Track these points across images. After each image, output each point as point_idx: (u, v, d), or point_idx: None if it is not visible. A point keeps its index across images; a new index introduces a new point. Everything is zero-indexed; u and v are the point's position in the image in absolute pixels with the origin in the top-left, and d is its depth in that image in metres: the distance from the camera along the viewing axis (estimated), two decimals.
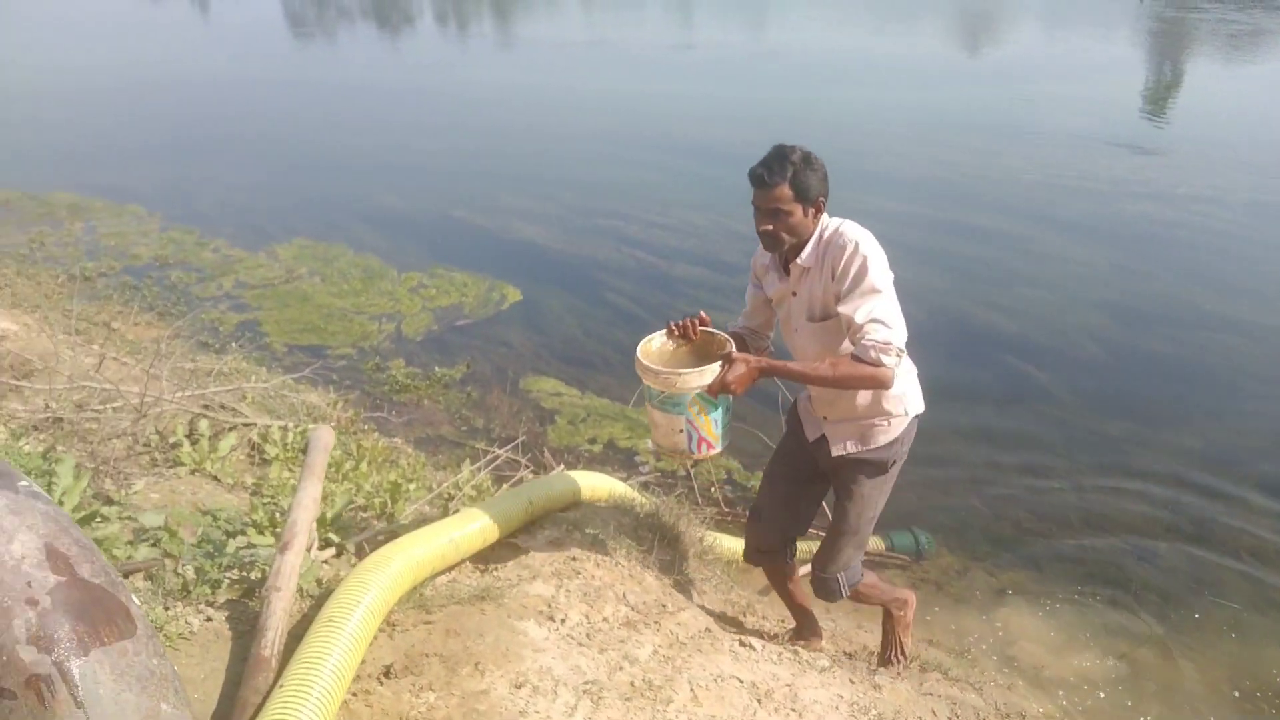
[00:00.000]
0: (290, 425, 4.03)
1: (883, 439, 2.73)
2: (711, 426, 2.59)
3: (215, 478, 3.57)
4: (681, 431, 2.58)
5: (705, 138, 11.24)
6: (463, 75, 17.21)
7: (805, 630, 3.24)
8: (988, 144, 10.91)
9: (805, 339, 2.67)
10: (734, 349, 2.64)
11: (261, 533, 3.03)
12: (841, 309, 2.49)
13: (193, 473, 3.55)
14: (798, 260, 2.59)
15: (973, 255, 7.60)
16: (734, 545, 3.70)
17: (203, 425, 3.77)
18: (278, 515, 3.12)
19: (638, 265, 7.49)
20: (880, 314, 2.45)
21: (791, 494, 2.99)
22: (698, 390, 2.48)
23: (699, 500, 4.21)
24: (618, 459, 4.84)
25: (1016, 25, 22.83)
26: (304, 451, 3.84)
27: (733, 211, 8.34)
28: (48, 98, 13.86)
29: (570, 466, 4.23)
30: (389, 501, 3.38)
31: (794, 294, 2.69)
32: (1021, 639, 3.79)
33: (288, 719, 1.67)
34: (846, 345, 2.54)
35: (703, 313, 2.73)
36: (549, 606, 2.45)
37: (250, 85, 15.24)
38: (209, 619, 2.31)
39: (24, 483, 0.73)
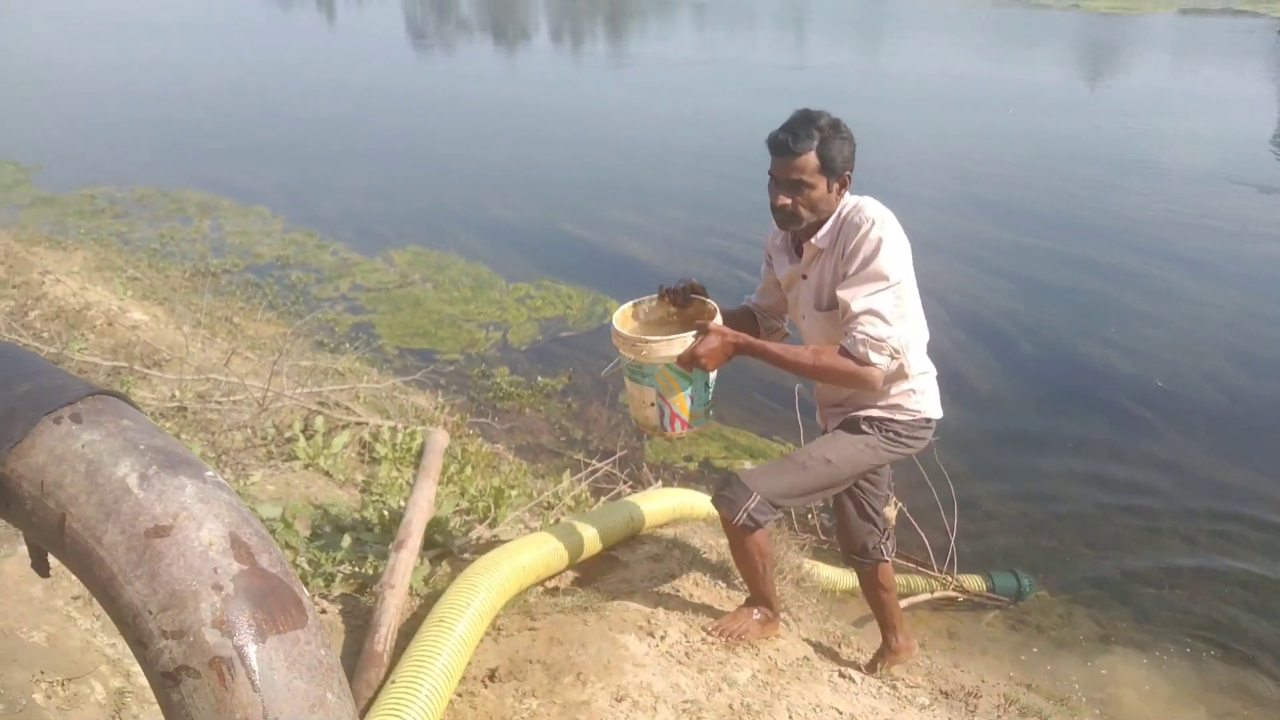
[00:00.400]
0: (400, 426, 4.14)
1: (875, 412, 2.43)
2: (684, 403, 2.36)
3: (327, 473, 3.70)
4: (652, 405, 2.38)
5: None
6: (575, 90, 17.49)
7: (890, 646, 2.87)
8: (1108, 177, 10.58)
9: (812, 328, 2.43)
10: (718, 321, 2.34)
11: (371, 529, 3.13)
12: (840, 293, 2.24)
13: (306, 467, 3.69)
14: (812, 240, 2.33)
15: (1089, 290, 7.38)
16: (831, 574, 3.65)
17: (318, 422, 3.92)
18: (386, 513, 3.21)
19: (741, 286, 7.46)
20: (880, 305, 2.18)
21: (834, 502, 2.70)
22: (666, 361, 2.26)
23: (795, 526, 4.17)
24: (713, 478, 4.84)
25: (1143, 56, 22.10)
26: (412, 452, 3.96)
27: None
28: (181, 99, 14.56)
29: (667, 483, 4.24)
30: (492, 506, 3.45)
31: (804, 277, 2.43)
32: (1125, 689, 3.65)
33: (398, 714, 1.72)
34: None
35: (694, 280, 2.49)
36: (649, 622, 2.46)
37: (372, 93, 15.76)
38: (323, 611, 2.40)
39: (209, 472, 0.78)
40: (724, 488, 2.44)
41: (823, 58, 19.67)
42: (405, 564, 2.22)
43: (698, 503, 3.39)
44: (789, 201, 2.28)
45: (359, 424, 4.10)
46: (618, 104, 15.87)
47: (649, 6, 29.39)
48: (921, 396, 2.47)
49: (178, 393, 3.98)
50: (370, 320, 6.65)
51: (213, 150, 11.47)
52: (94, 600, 1.95)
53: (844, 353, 2.21)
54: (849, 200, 2.34)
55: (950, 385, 5.68)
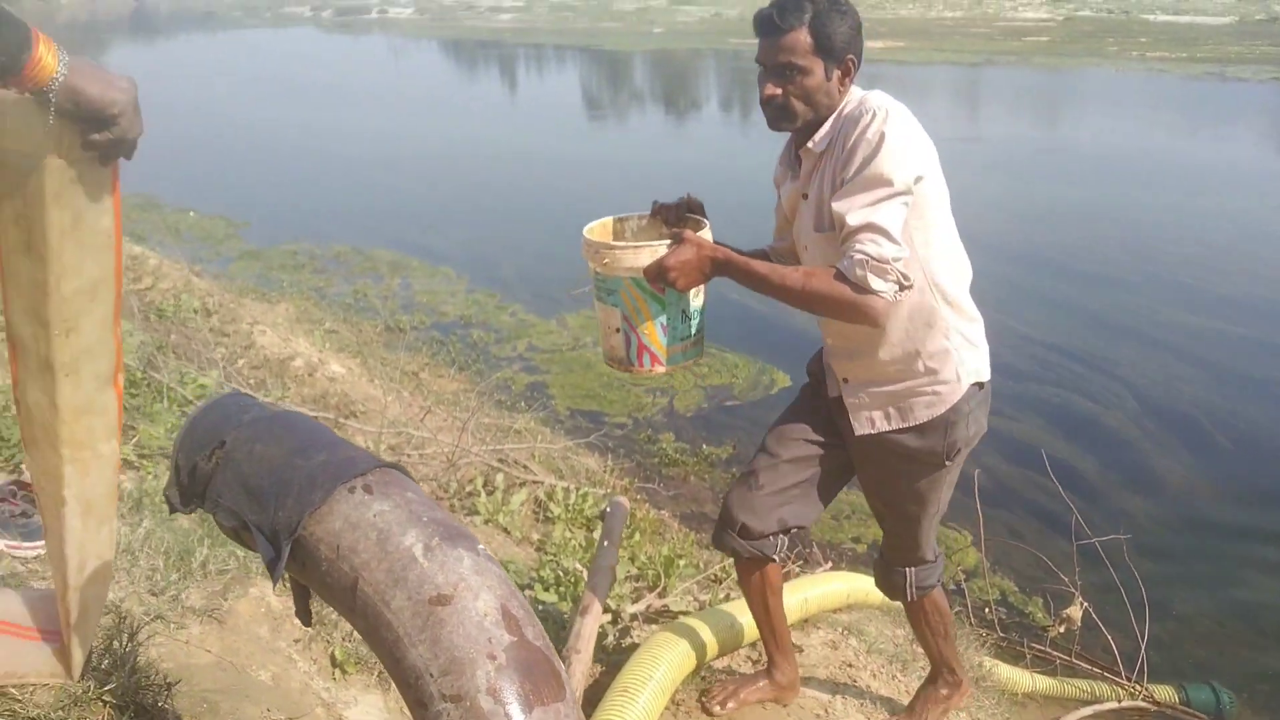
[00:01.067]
0: (573, 487, 4.25)
1: (925, 413, 2.01)
2: (655, 332, 1.96)
3: (505, 530, 3.82)
4: (618, 331, 1.99)
5: (990, 233, 10.88)
6: (741, 158, 17.71)
7: (778, 670, 2.39)
8: None
9: (814, 259, 2.02)
10: (707, 233, 2.00)
11: (547, 590, 3.20)
12: (834, 204, 1.84)
13: (486, 522, 3.83)
14: (809, 144, 1.96)
15: None
16: (1011, 674, 3.48)
17: (498, 479, 4.06)
18: (560, 574, 3.28)
19: None
20: (882, 219, 1.79)
21: (801, 463, 2.21)
22: (632, 274, 1.89)
23: (971, 620, 4.00)
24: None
25: None
26: (584, 514, 4.04)
27: (1024, 313, 8.00)
28: (377, 163, 15.59)
29: (835, 565, 4.16)
30: (661, 575, 3.47)
31: (804, 196, 2.03)
32: None
33: None
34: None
35: (691, 194, 2.15)
36: (825, 712, 2.41)
37: (550, 161, 16.44)
38: None
39: (481, 546, 0.84)
40: (885, 584, 2.35)
41: (999, 130, 19.24)
42: (590, 630, 2.26)
43: (871, 589, 3.31)
44: (778, 91, 1.92)
45: (535, 483, 4.22)
46: None
47: None
48: (965, 353, 2.02)
49: (371, 444, 4.21)
50: (544, 380, 6.87)
51: (404, 212, 12.19)
52: (311, 643, 2.08)
53: (839, 277, 1.80)
54: (854, 94, 1.98)
55: (1140, 478, 5.42)
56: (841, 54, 1.90)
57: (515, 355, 7.34)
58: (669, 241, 1.88)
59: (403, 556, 0.79)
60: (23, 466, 2.59)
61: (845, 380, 2.09)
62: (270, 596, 2.00)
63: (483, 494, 3.93)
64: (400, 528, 0.81)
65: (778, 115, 1.95)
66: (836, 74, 1.91)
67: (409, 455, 4.15)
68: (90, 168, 1.18)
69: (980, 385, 2.06)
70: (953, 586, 4.43)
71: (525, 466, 4.35)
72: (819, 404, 2.22)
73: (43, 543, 2.16)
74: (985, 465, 5.45)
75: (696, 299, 2.01)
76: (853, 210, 1.80)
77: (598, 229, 2.11)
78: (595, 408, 6.45)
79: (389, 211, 12.29)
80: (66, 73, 1.09)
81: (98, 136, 1.15)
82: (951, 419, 2.02)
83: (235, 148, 17.05)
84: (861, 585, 3.32)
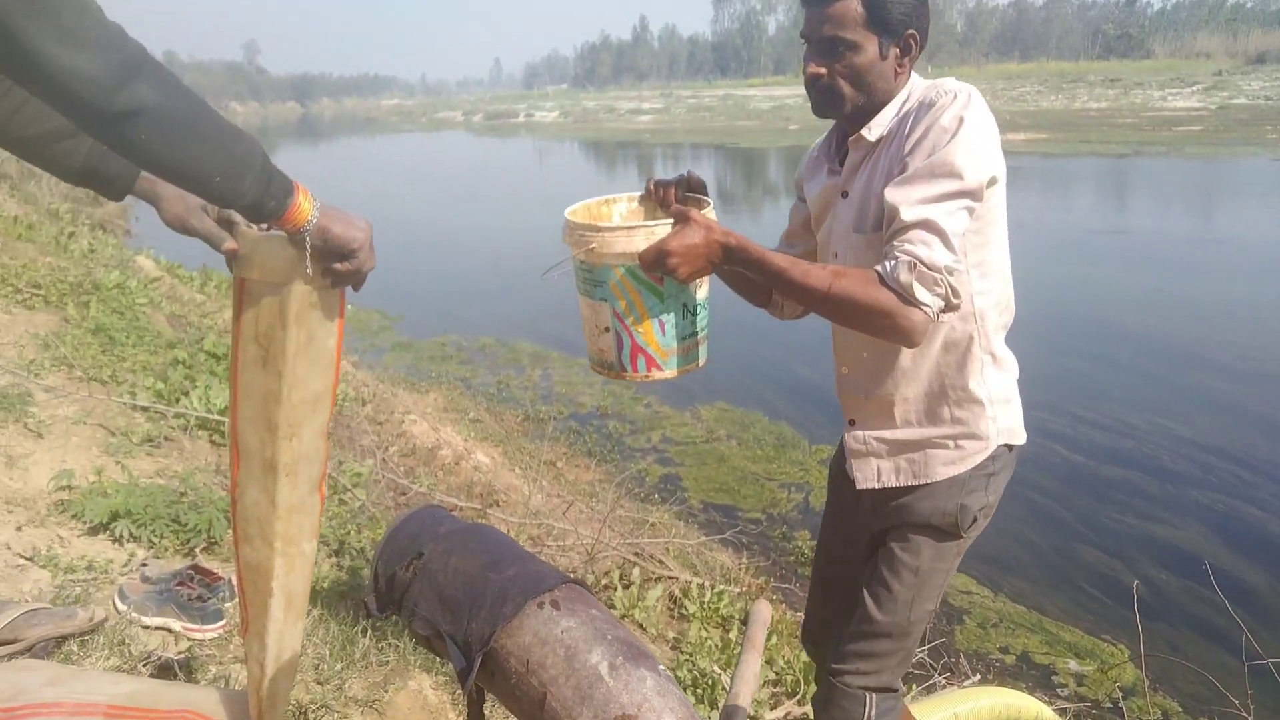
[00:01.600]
0: (708, 584, 4.23)
1: (943, 470, 1.74)
2: (654, 332, 1.66)
3: (641, 626, 3.83)
4: (607, 330, 1.69)
5: (1144, 329, 10.46)
6: None
7: None
8: None
9: (847, 265, 1.71)
10: (711, 214, 1.69)
11: (685, 691, 3.19)
12: (888, 192, 1.56)
13: (623, 617, 3.85)
14: (863, 132, 1.69)
15: None
16: None
17: (634, 573, 4.09)
18: (698, 675, 3.27)
19: (1063, 463, 7.04)
20: (943, 219, 1.51)
21: (835, 577, 1.99)
22: (625, 262, 1.60)
23: None
24: (1033, 675, 4.48)
25: None
26: (719, 613, 4.01)
27: (1180, 415, 7.62)
28: (523, 257, 16.20)
29: (983, 678, 3.99)
30: (801, 681, 3.41)
31: (844, 194, 1.75)
32: None
33: None
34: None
35: (692, 171, 1.83)
36: None
37: None
38: None
39: (661, 667, 0.88)
40: (825, 703, 1.85)
41: (1146, 222, 18.57)
42: None
43: (1026, 705, 3.16)
44: (822, 70, 1.65)
45: (670, 578, 4.23)
46: None
47: None
48: (1000, 407, 1.75)
49: (513, 534, 4.32)
50: (678, 473, 6.90)
51: (544, 306, 12.59)
52: None
53: (878, 280, 1.51)
54: (917, 81, 1.71)
55: None
56: (900, 27, 1.62)
57: (650, 447, 7.42)
58: (668, 222, 1.58)
59: (589, 674, 0.83)
60: (201, 550, 2.78)
61: (852, 422, 1.84)
62: (428, 690, 2.08)
63: (619, 588, 3.96)
64: (586, 645, 0.85)
65: (824, 98, 1.68)
66: (894, 52, 1.64)
67: (549, 546, 4.23)
68: (325, 294, 1.35)
69: (1010, 448, 1.80)
70: (1109, 704, 4.18)
71: (661, 561, 4.37)
72: (841, 508, 1.97)
73: (219, 625, 2.31)
74: (1143, 575, 5.17)
75: (701, 290, 1.72)
76: (909, 202, 1.52)
77: (580, 211, 1.83)
78: (729, 502, 6.43)
79: (530, 305, 12.72)
80: (318, 215, 1.27)
81: (339, 267, 1.33)
82: (972, 481, 1.75)
83: (392, 243, 18.00)
84: (1013, 702, 3.18)
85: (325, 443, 1.44)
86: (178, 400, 4.22)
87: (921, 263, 1.49)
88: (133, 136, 1.10)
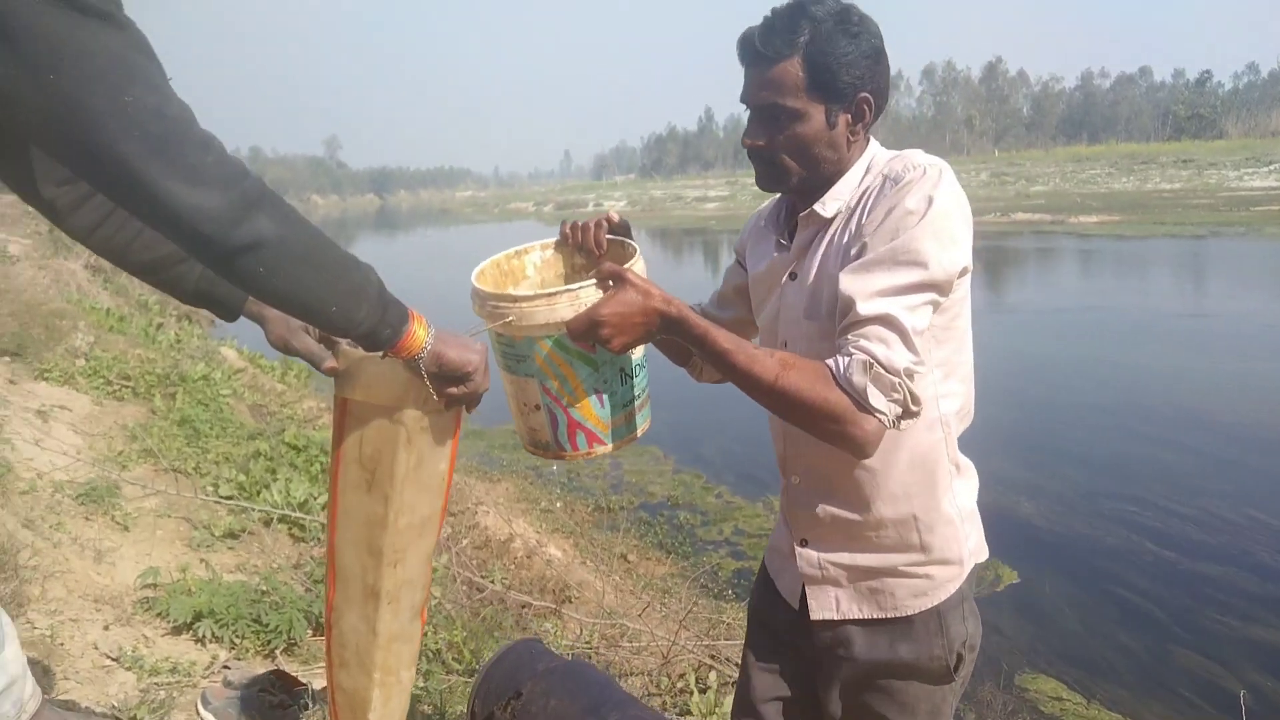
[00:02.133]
0: None
1: (911, 602, 1.52)
2: (591, 406, 1.48)
3: None
4: (538, 409, 1.50)
5: (1232, 417, 10.08)
6: (994, 339, 17.38)
7: None
8: None
9: (803, 354, 1.45)
10: (638, 266, 1.48)
11: None
12: (843, 278, 1.37)
13: None
14: (816, 208, 1.50)
15: None
16: None
17: (710, 676, 3.97)
18: None
19: (1154, 560, 6.74)
20: (904, 314, 1.33)
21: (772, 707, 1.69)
22: (551, 333, 1.42)
23: None
24: None
25: None
26: None
27: (1274, 507, 7.27)
28: None
29: None
30: None
31: (792, 275, 1.55)
32: None
33: None
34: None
35: (613, 212, 1.62)
36: None
37: None
38: None
39: None
40: None
41: (1228, 305, 18.07)
42: None
43: None
44: (761, 142, 1.46)
45: None
46: (1001, 352, 15.50)
47: (1028, 254, 28.97)
48: (970, 526, 1.57)
49: (586, 634, 4.24)
50: (751, 567, 6.75)
51: None
52: None
53: (829, 377, 1.34)
54: (880, 151, 1.52)
55: None
56: (850, 92, 1.43)
57: (722, 539, 7.30)
58: (592, 283, 1.40)
59: None
60: (281, 652, 2.78)
61: (804, 541, 1.59)
62: None
63: (695, 692, 3.85)
64: None
65: (766, 172, 1.51)
66: (844, 119, 1.45)
67: (623, 647, 4.14)
68: (438, 418, 1.34)
69: (976, 568, 1.61)
70: None
71: (738, 665, 4.24)
72: (770, 622, 1.70)
73: None
74: (1250, 681, 4.89)
75: (637, 350, 1.52)
76: (867, 293, 1.34)
77: (489, 270, 1.61)
78: None
79: None
80: (433, 341, 1.27)
81: (454, 390, 1.33)
82: (949, 614, 1.53)
83: (463, 330, 18.35)
84: None
85: (429, 568, 1.41)
86: (259, 493, 4.28)
87: (878, 363, 1.31)
88: (251, 269, 1.12)
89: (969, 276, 1.46)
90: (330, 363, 1.47)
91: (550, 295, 1.39)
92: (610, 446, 1.56)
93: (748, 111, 1.49)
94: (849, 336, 1.35)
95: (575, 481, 8.65)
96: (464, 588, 4.13)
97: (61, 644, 2.44)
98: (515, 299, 1.41)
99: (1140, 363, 13.37)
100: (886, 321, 1.32)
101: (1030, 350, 15.52)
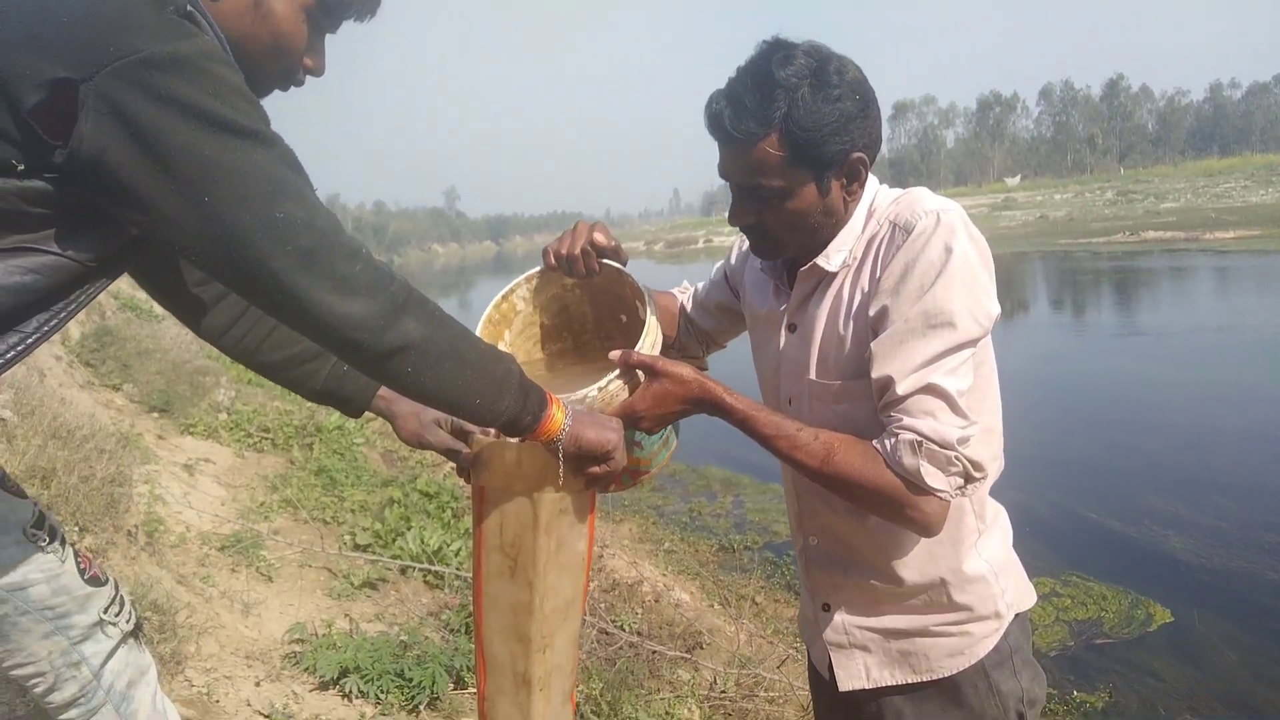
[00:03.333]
0: None
1: (948, 663, 1.40)
2: (631, 452, 1.48)
3: None
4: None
5: None
6: (1085, 363, 16.71)
7: None
8: None
9: (807, 413, 1.42)
10: (653, 340, 1.39)
11: None
12: (876, 353, 1.28)
13: None
14: (819, 261, 1.40)
15: None
16: None
17: None
18: None
19: None
20: (946, 379, 1.24)
21: None
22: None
23: None
24: None
25: None
26: None
27: None
28: None
29: None
30: None
31: (791, 326, 1.46)
32: None
33: None
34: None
35: (600, 236, 1.47)
36: None
37: None
38: None
39: None
40: None
41: None
42: None
43: None
44: (750, 219, 1.38)
45: None
46: (1136, 378, 14.78)
47: (1160, 273, 27.69)
48: (1004, 579, 1.45)
49: (720, 683, 4.15)
50: None
51: (735, 431, 12.56)
52: None
53: (877, 458, 1.26)
54: (882, 191, 1.41)
55: None
56: (840, 157, 1.31)
57: None
58: (616, 375, 1.35)
59: None
60: (425, 707, 2.79)
61: (826, 606, 1.50)
62: None
63: None
64: None
65: (760, 246, 1.44)
66: (837, 185, 1.34)
67: (758, 697, 4.03)
68: (575, 499, 1.33)
69: (1019, 615, 1.48)
70: None
71: None
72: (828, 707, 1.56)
73: None
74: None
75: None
76: (906, 370, 1.25)
77: (485, 331, 1.55)
78: None
79: (719, 429, 12.69)
80: (571, 423, 1.27)
81: (594, 470, 1.33)
82: (995, 671, 1.42)
83: None
84: None
85: (576, 650, 1.38)
86: (394, 540, 4.36)
87: (928, 440, 1.23)
88: (400, 369, 1.15)
89: (988, 336, 1.37)
90: (467, 453, 1.48)
91: (579, 398, 1.35)
92: (654, 470, 1.60)
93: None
94: (892, 414, 1.27)
95: (698, 521, 8.57)
96: (596, 634, 4.10)
97: (218, 701, 2.50)
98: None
99: None
100: (930, 391, 1.24)
101: (1170, 376, 14.77)
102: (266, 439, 6.06)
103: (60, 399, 4.72)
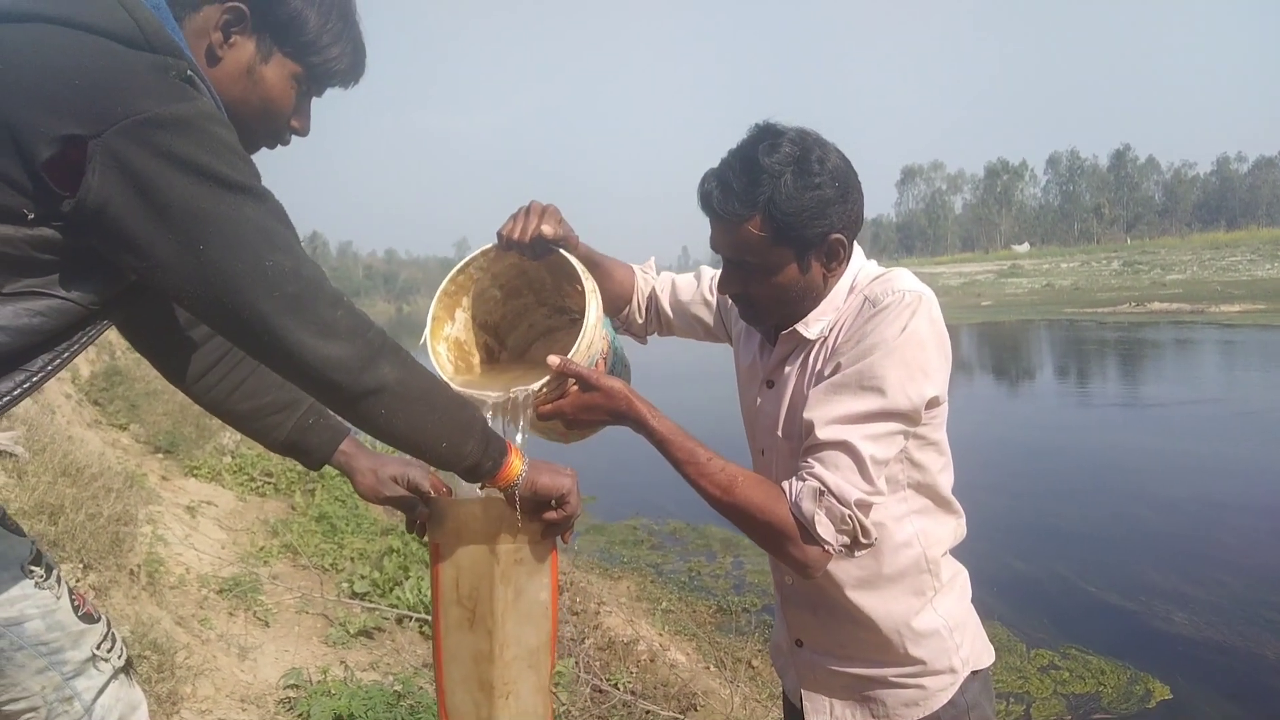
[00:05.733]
0: None
1: (905, 711, 1.50)
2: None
3: None
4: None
5: None
6: (1087, 434, 16.66)
7: None
8: None
9: (771, 467, 1.57)
10: (594, 308, 1.46)
11: None
12: (811, 399, 1.40)
13: None
14: (799, 328, 1.50)
15: None
16: None
17: None
18: None
19: None
20: (865, 443, 1.33)
21: None
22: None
23: None
24: None
25: None
26: None
27: None
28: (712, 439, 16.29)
29: None
30: None
31: (768, 383, 1.58)
32: None
33: None
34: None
35: (548, 228, 1.51)
36: None
37: None
38: None
39: None
40: None
41: None
42: None
43: None
44: (737, 289, 1.49)
45: None
46: (1139, 449, 14.74)
47: (1165, 345, 27.74)
48: (961, 635, 1.55)
49: None
50: None
51: None
52: None
53: (780, 497, 1.36)
54: (866, 267, 1.51)
55: None
56: (819, 238, 1.41)
57: None
58: (544, 382, 1.41)
59: None
60: None
61: (799, 642, 1.62)
62: None
63: None
64: None
65: (747, 314, 1.55)
66: (816, 264, 1.44)
67: None
68: (531, 548, 1.38)
69: (976, 673, 1.57)
70: None
71: None
72: None
73: None
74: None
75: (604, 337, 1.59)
76: (828, 418, 1.35)
77: (440, 315, 1.60)
78: None
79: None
80: (527, 469, 1.34)
81: (550, 516, 1.40)
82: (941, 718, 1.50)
83: None
84: None
85: (548, 700, 1.41)
86: (391, 589, 4.37)
87: (830, 492, 1.33)
88: (375, 410, 1.22)
89: (944, 406, 1.48)
90: (424, 511, 1.54)
91: (514, 400, 1.44)
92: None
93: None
94: (807, 460, 1.38)
95: (696, 581, 8.53)
96: (590, 693, 4.09)
97: None
98: (481, 402, 1.45)
99: None
100: (844, 448, 1.34)
101: (1173, 447, 14.75)
102: (269, 483, 6.10)
103: (69, 437, 4.77)
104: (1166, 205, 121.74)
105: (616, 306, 1.85)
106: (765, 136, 1.40)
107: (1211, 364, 25.65)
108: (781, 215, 1.37)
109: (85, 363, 8.20)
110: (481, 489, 1.40)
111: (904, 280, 1.45)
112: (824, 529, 1.34)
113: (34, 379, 1.23)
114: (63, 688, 1.52)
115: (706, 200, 1.44)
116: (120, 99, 1.08)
